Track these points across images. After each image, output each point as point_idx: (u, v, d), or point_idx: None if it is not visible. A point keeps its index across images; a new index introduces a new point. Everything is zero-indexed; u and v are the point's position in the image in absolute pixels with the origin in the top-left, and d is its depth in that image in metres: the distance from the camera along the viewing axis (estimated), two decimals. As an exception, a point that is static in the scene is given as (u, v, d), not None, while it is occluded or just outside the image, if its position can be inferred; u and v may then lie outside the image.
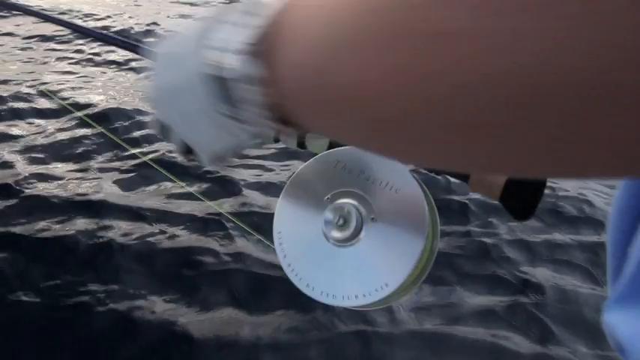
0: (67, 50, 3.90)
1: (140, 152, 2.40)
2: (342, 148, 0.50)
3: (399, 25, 0.19)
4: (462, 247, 2.20)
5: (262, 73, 0.25)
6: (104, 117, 2.78)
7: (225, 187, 2.36)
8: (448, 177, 0.48)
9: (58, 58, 3.77)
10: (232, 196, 2.28)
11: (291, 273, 0.47)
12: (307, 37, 0.23)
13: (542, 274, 2.12)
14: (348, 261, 0.45)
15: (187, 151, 0.39)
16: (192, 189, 2.28)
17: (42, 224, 1.94)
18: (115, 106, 2.93)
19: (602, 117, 0.16)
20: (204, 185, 2.35)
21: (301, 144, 0.52)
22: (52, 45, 3.99)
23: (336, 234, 0.45)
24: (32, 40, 4.04)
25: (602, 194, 2.69)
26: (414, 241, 0.43)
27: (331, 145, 0.51)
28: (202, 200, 2.17)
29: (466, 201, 2.49)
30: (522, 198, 0.43)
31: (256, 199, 2.28)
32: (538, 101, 0.16)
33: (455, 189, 2.49)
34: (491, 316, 1.86)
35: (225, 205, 2.21)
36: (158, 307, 1.67)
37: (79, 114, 2.47)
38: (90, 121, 2.27)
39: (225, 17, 0.28)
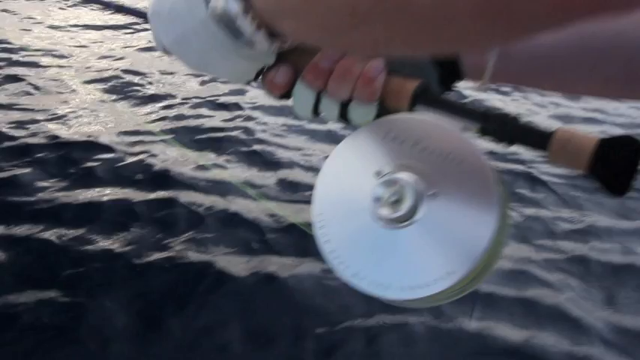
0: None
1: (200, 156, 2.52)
2: (393, 116, 0.42)
3: None
4: (530, 226, 2.23)
5: (244, 6, 0.36)
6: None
7: (272, 167, 2.48)
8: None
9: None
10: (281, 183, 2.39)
11: (334, 261, 0.41)
12: None
13: (612, 257, 2.13)
14: (402, 245, 0.38)
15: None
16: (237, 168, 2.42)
17: (123, 192, 2.16)
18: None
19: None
20: (244, 165, 2.47)
21: (344, 114, 0.45)
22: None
23: (389, 213, 0.38)
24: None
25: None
26: (484, 219, 0.37)
27: (378, 116, 0.43)
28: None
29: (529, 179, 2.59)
30: (618, 167, 0.35)
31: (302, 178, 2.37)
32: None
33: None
34: (566, 290, 1.89)
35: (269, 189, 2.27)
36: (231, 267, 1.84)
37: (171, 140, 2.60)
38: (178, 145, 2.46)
39: None
